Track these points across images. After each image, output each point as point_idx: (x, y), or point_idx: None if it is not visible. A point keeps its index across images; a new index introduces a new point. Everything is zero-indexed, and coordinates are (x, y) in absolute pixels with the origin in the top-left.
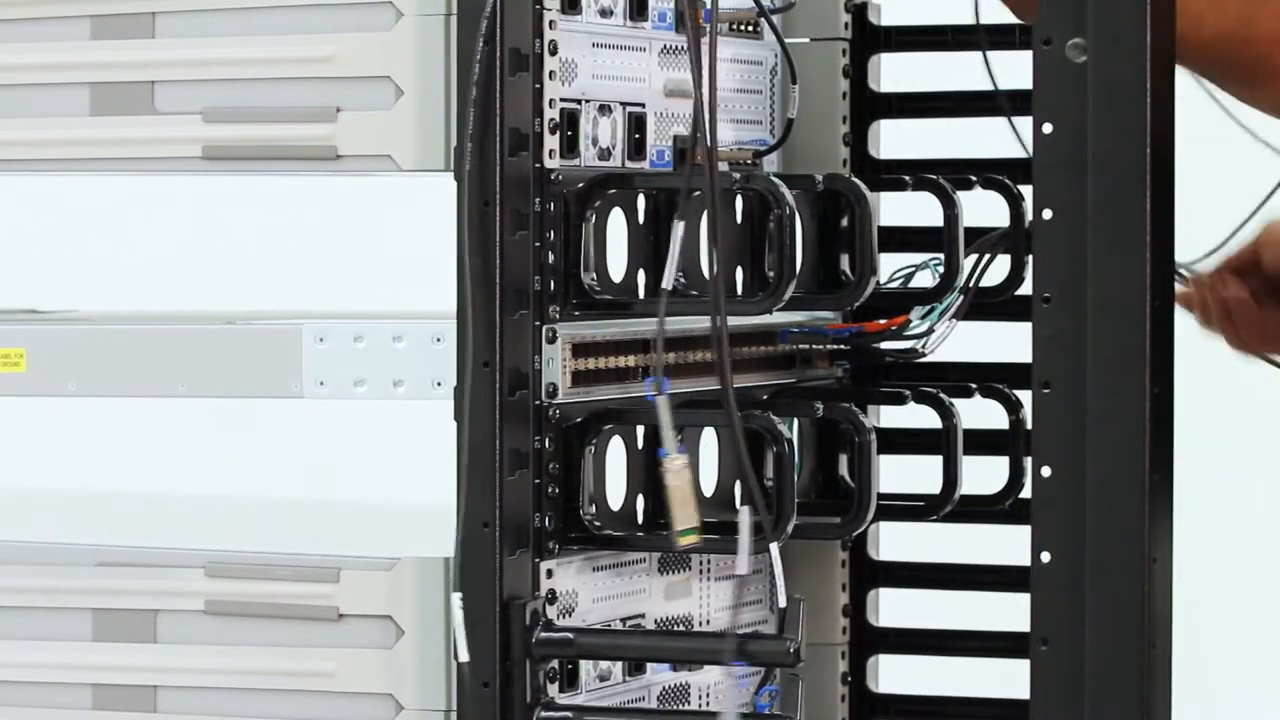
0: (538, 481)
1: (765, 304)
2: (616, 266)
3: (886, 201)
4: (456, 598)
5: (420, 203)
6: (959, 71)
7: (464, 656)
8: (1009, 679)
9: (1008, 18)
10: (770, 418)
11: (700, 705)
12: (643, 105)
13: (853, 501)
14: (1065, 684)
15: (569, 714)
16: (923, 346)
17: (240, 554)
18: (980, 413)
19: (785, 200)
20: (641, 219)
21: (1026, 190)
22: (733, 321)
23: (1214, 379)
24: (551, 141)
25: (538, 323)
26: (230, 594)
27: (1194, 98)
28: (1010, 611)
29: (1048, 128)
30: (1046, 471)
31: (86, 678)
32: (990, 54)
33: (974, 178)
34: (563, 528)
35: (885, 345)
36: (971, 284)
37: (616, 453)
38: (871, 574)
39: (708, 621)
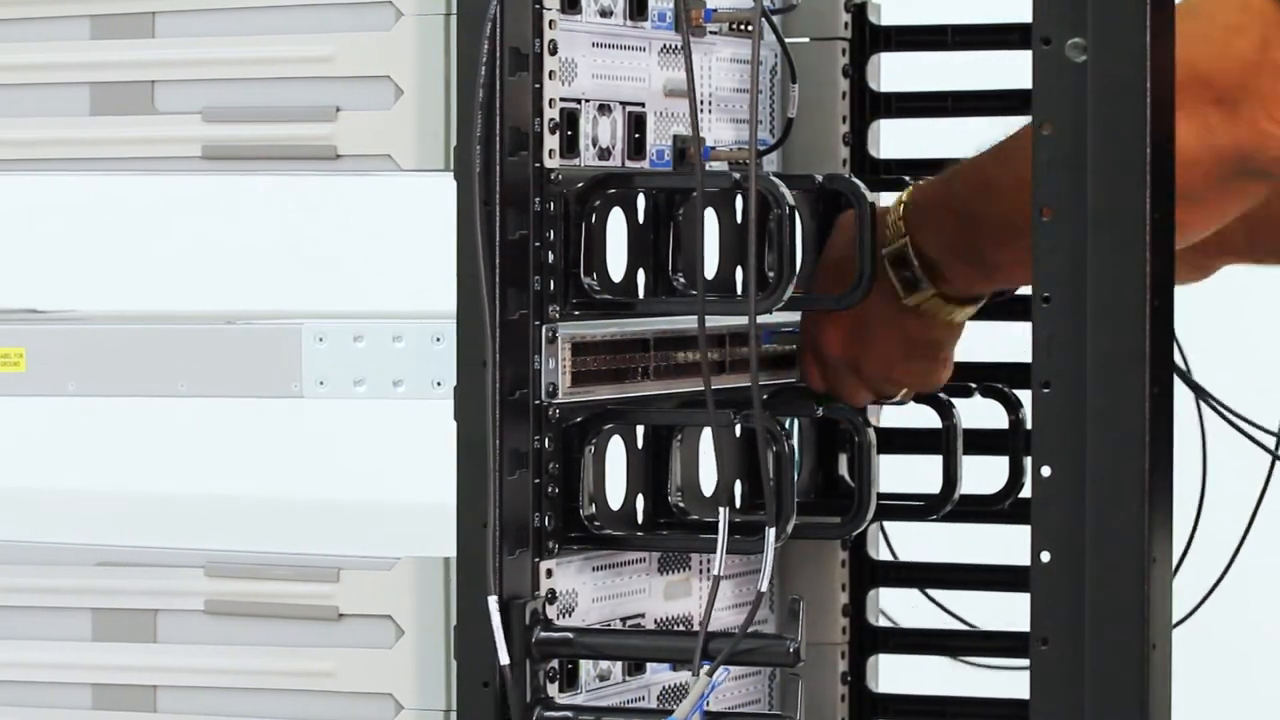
0: (537, 481)
1: (765, 304)
2: (616, 266)
3: (886, 202)
4: (493, 601)
5: (420, 203)
6: (959, 71)
7: (504, 659)
8: (1009, 679)
9: (1005, 17)
10: (770, 418)
11: (700, 705)
12: (642, 105)
13: (853, 501)
14: (1065, 684)
15: (569, 714)
16: None
17: (240, 554)
18: (980, 413)
19: (785, 200)
20: (641, 219)
21: None
22: (731, 322)
23: (1214, 379)
24: (551, 141)
25: (538, 323)
26: (230, 594)
27: None
28: (1010, 612)
29: (1047, 128)
30: (1046, 471)
31: (86, 678)
32: (991, 54)
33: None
34: (563, 527)
35: None
36: None
37: (616, 453)
38: (871, 574)
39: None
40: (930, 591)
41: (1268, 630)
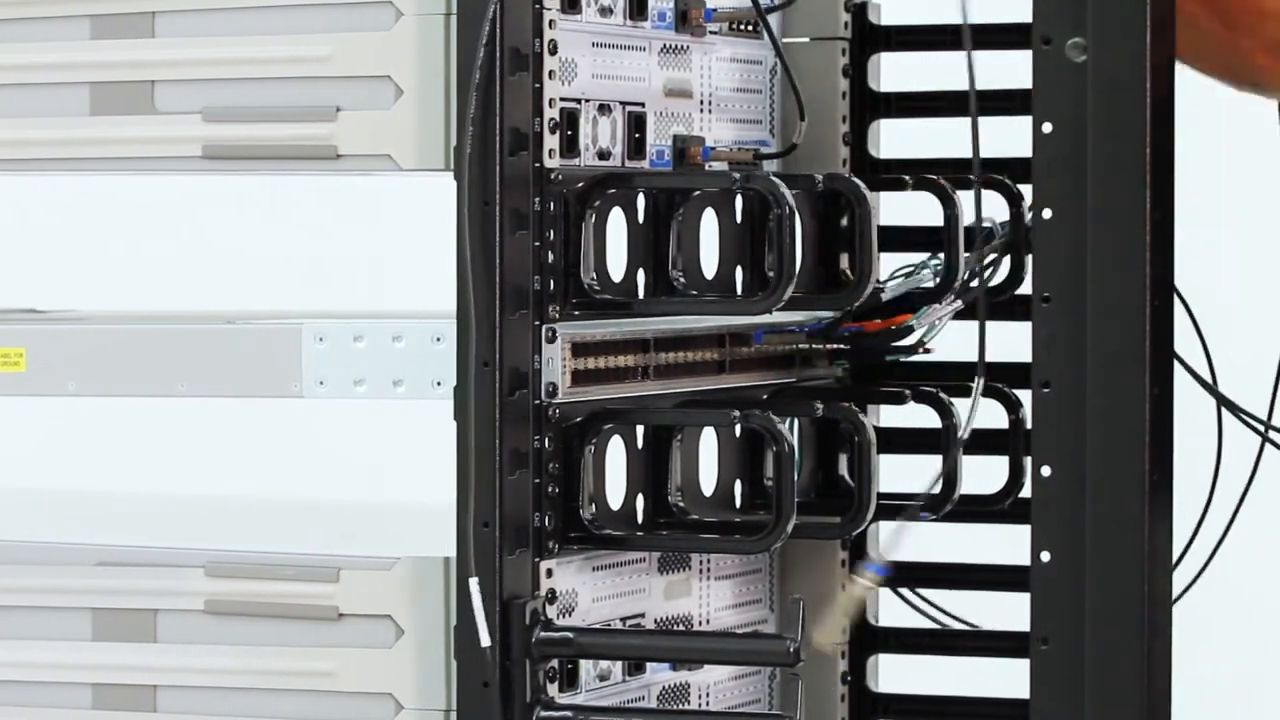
0: (538, 481)
1: (765, 304)
2: (616, 266)
3: (886, 201)
4: (474, 583)
5: (420, 203)
6: (959, 71)
7: (485, 641)
8: (1009, 679)
9: (1005, 17)
10: (770, 418)
11: (700, 705)
12: (642, 105)
13: (853, 501)
14: (1065, 684)
15: (569, 713)
16: (925, 339)
17: (240, 554)
18: (980, 413)
19: (785, 200)
20: (641, 219)
21: (1026, 190)
22: (731, 322)
23: (1215, 379)
24: (551, 141)
25: (537, 322)
26: (230, 594)
27: (1194, 98)
28: (1010, 612)
29: (1047, 127)
30: (1046, 471)
31: (86, 678)
32: (990, 53)
33: (974, 178)
34: (563, 527)
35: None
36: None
37: (616, 452)
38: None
39: (707, 621)
40: (927, 591)
41: (1268, 630)
